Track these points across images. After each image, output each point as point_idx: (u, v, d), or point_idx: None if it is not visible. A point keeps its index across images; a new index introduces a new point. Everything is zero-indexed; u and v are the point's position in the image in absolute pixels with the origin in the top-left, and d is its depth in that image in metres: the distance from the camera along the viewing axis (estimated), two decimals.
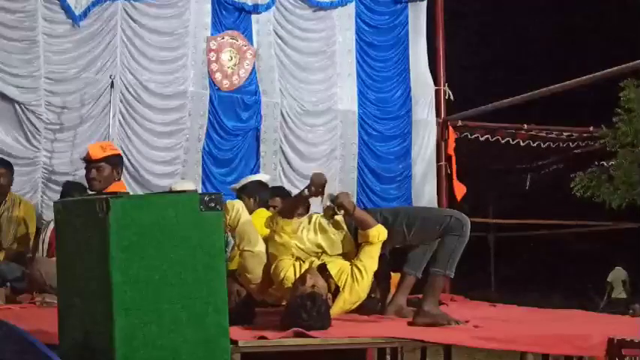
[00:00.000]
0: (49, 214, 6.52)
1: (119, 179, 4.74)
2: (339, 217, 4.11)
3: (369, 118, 8.56)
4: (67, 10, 7.17)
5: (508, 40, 15.93)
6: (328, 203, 4.02)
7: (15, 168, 6.22)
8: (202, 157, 7.74)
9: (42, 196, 6.97)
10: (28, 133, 6.99)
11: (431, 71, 8.95)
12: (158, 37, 7.66)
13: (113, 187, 4.53)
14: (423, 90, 8.82)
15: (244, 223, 4.07)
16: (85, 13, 7.24)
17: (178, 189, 5.13)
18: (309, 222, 4.14)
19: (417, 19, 8.86)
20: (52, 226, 5.81)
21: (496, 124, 9.61)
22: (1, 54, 6.90)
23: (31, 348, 2.34)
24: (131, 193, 4.59)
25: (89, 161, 4.81)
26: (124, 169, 7.16)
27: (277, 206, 5.64)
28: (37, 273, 4.76)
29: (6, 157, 6.39)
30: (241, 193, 5.38)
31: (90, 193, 5.00)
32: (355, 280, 3.82)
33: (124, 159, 7.20)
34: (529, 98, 8.68)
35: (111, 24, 7.42)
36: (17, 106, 6.97)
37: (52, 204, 6.31)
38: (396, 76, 8.71)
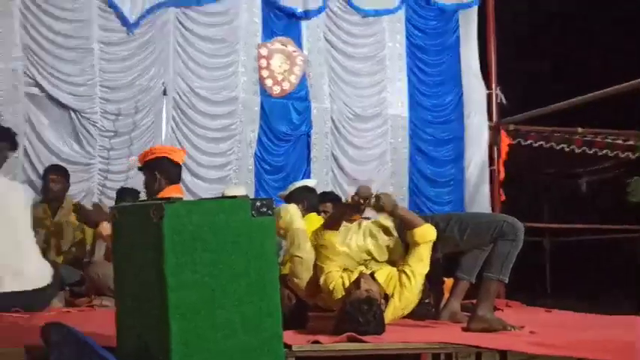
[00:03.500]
0: None
1: (171, 182, 4.68)
2: (389, 224, 4.09)
3: (421, 122, 8.54)
4: (121, 18, 7.29)
5: (564, 41, 15.65)
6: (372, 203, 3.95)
7: (71, 174, 6.34)
8: (255, 162, 7.80)
9: (98, 202, 7.08)
10: (84, 139, 7.12)
11: (483, 75, 8.88)
12: (210, 45, 7.74)
13: (167, 191, 4.54)
14: (475, 94, 8.76)
15: (296, 228, 4.07)
16: (138, 21, 7.35)
17: (230, 194, 5.18)
18: (359, 228, 4.12)
19: (468, 24, 8.83)
20: None
21: (549, 127, 9.47)
22: (57, 62, 7.04)
23: (89, 351, 2.37)
24: (184, 198, 4.64)
25: (138, 168, 4.85)
26: None
27: (328, 211, 5.66)
28: (95, 276, 4.83)
29: (62, 164, 6.53)
30: (289, 200, 5.39)
31: (142, 198, 5.05)
32: (403, 285, 3.78)
33: None
34: (584, 101, 8.52)
35: (164, 32, 7.53)
36: (73, 114, 7.11)
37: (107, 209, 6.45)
38: (448, 81, 8.68)
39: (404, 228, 3.95)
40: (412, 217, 3.94)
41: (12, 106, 6.84)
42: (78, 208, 5.24)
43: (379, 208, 3.86)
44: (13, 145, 5.28)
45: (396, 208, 3.88)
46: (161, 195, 4.46)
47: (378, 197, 3.84)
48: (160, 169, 4.58)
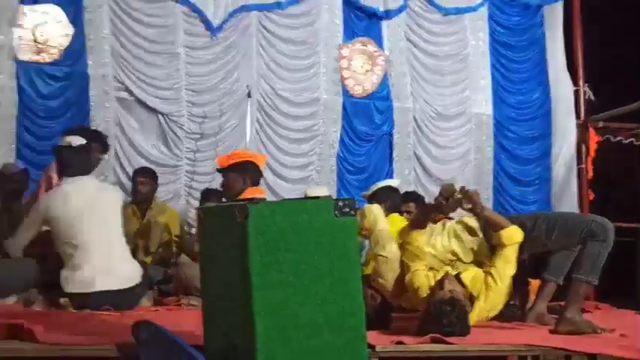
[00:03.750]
0: (192, 220, 6.77)
1: (251, 185, 4.79)
2: (474, 224, 4.04)
3: (505, 120, 8.41)
4: (205, 22, 7.41)
5: None
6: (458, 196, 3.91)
7: (159, 176, 6.50)
8: (337, 163, 7.83)
9: (185, 203, 7.24)
10: (171, 142, 7.27)
11: (569, 71, 8.67)
12: (291, 46, 7.80)
13: (248, 192, 4.62)
14: (562, 90, 8.57)
15: (381, 228, 4.07)
16: (222, 25, 7.47)
17: (313, 194, 5.22)
18: (443, 228, 4.09)
19: (553, 19, 8.65)
20: (193, 231, 6.05)
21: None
22: (145, 67, 7.22)
23: (178, 349, 2.42)
24: (267, 199, 4.72)
25: (218, 170, 4.98)
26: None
27: (411, 211, 5.64)
28: (182, 276, 4.94)
29: (150, 166, 6.71)
30: (372, 200, 5.39)
31: (223, 200, 5.15)
32: (489, 287, 3.74)
33: None
34: None
35: (246, 35, 7.63)
36: (160, 117, 7.28)
37: (194, 210, 6.59)
38: (534, 77, 8.53)
39: (490, 229, 3.91)
40: (499, 219, 3.90)
41: (103, 110, 7.06)
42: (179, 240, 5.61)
43: (468, 200, 3.82)
44: (105, 147, 5.49)
45: (483, 209, 3.86)
46: (243, 195, 4.55)
47: (465, 192, 3.81)
48: (246, 171, 4.71)
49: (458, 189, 3.88)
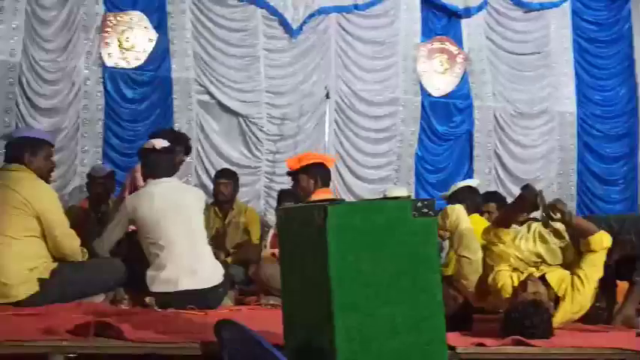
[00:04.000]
0: (271, 221, 6.85)
1: (321, 186, 4.82)
2: (560, 226, 3.97)
3: (590, 118, 8.22)
4: (284, 25, 7.49)
5: None
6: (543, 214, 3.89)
7: (240, 177, 6.59)
8: (415, 162, 7.79)
9: (264, 204, 7.32)
10: (251, 144, 7.38)
11: None
12: (370, 47, 7.80)
13: (318, 194, 4.65)
14: None
15: (464, 228, 4.04)
16: (300, 28, 7.53)
17: (392, 195, 5.21)
18: (528, 230, 4.03)
19: None
20: (272, 231, 6.10)
21: None
22: (226, 71, 7.34)
23: (259, 348, 2.45)
24: (345, 199, 4.73)
25: (288, 173, 5.02)
26: (338, 175, 7.42)
27: (491, 212, 5.55)
28: (262, 276, 5.00)
29: (232, 168, 6.81)
30: (451, 200, 5.33)
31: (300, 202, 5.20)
32: (576, 289, 3.67)
33: (339, 165, 7.45)
34: None
35: (325, 37, 7.67)
36: (241, 119, 7.39)
37: (273, 211, 6.66)
38: (620, 73, 8.31)
39: (578, 236, 3.83)
40: (587, 225, 3.83)
41: (185, 113, 7.21)
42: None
43: (554, 217, 3.79)
44: (187, 150, 5.61)
45: (571, 218, 3.79)
46: (313, 196, 4.58)
47: (553, 207, 3.77)
48: (317, 172, 4.76)
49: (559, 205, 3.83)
